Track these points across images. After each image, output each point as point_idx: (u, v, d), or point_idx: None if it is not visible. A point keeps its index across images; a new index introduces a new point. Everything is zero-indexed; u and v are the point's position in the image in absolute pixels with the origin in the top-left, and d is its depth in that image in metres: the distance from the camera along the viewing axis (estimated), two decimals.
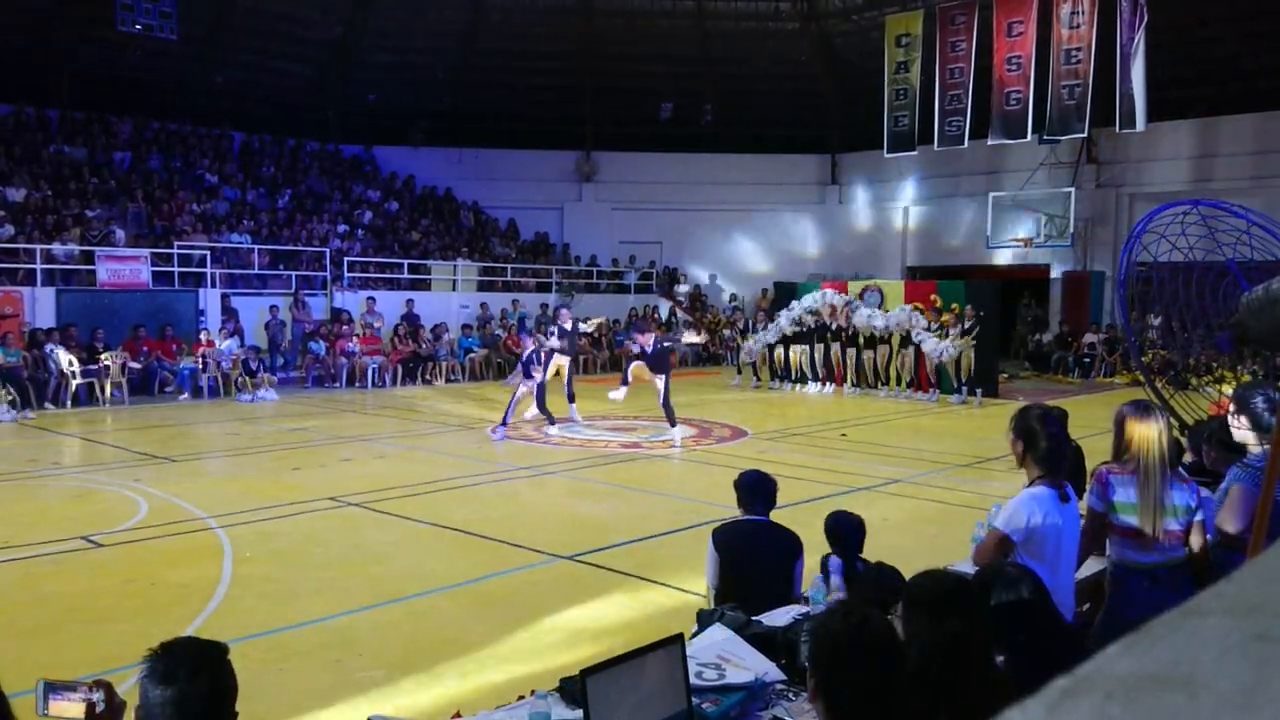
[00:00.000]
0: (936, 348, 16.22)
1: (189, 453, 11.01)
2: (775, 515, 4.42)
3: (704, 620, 3.32)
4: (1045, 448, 3.32)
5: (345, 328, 18.91)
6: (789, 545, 4.19)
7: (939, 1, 22.02)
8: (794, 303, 18.26)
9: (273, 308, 18.72)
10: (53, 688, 2.14)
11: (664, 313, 25.10)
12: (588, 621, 5.50)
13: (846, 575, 3.75)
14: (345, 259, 20.96)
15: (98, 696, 2.12)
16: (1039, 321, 24.17)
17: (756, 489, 4.29)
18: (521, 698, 2.95)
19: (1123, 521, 3.48)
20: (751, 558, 4.11)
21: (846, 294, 17.85)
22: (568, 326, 12.95)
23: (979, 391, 16.17)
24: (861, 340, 17.50)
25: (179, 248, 18.41)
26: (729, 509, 4.46)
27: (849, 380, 17.63)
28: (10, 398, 13.67)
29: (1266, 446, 3.34)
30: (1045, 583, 2.78)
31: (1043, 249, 23.28)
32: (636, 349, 12.62)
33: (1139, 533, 3.45)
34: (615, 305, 24.75)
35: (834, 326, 17.70)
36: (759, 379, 18.90)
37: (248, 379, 16.26)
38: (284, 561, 6.62)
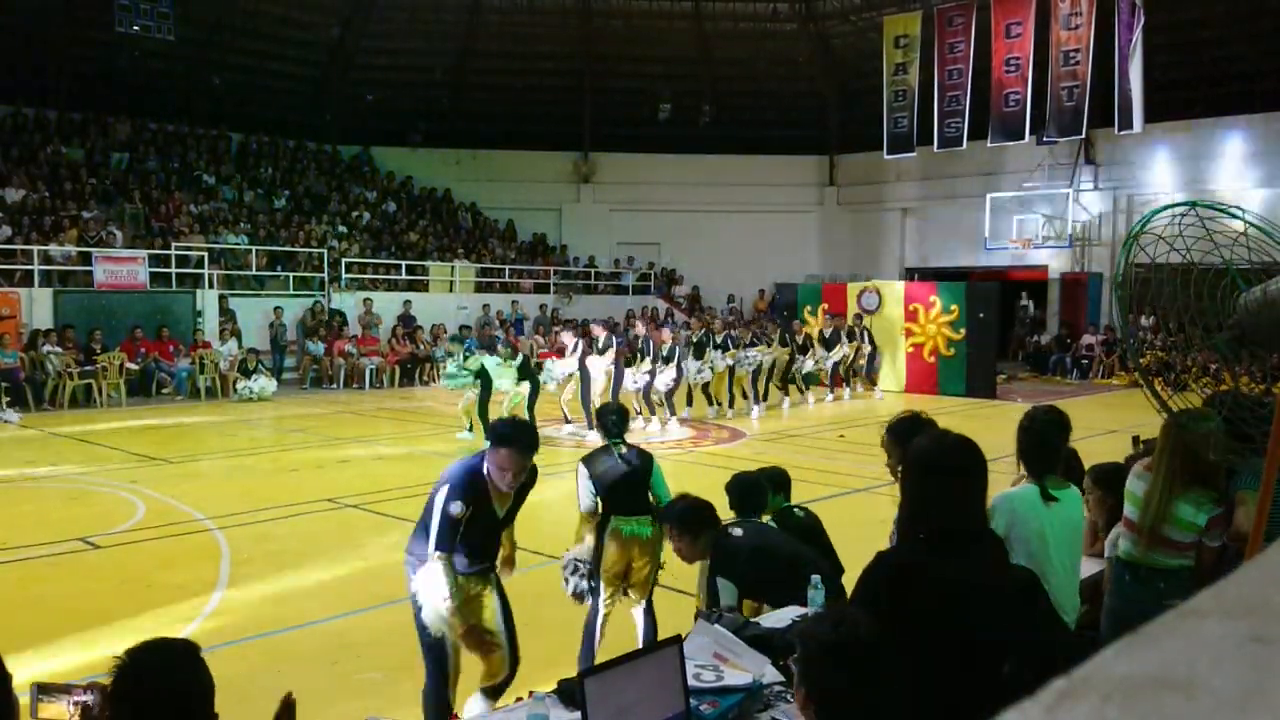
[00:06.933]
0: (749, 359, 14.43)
1: (186, 454, 10.99)
2: None
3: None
4: (1028, 447, 3.34)
5: (345, 329, 18.88)
6: None
7: (937, 2, 22.05)
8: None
9: (277, 309, 18.56)
10: (45, 690, 2.14)
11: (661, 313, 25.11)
12: None
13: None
14: (343, 260, 20.94)
15: (92, 699, 2.12)
16: (1037, 322, 24.20)
17: (747, 492, 4.30)
18: (519, 699, 2.94)
19: (1130, 514, 3.53)
20: None
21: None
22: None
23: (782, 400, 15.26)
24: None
25: (176, 249, 18.37)
26: (724, 510, 4.46)
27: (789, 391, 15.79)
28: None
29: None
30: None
31: (1041, 250, 23.31)
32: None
33: (1138, 528, 3.48)
34: (613, 306, 24.74)
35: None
36: (718, 405, 14.31)
37: (242, 376, 16.20)
38: (281, 563, 6.62)
